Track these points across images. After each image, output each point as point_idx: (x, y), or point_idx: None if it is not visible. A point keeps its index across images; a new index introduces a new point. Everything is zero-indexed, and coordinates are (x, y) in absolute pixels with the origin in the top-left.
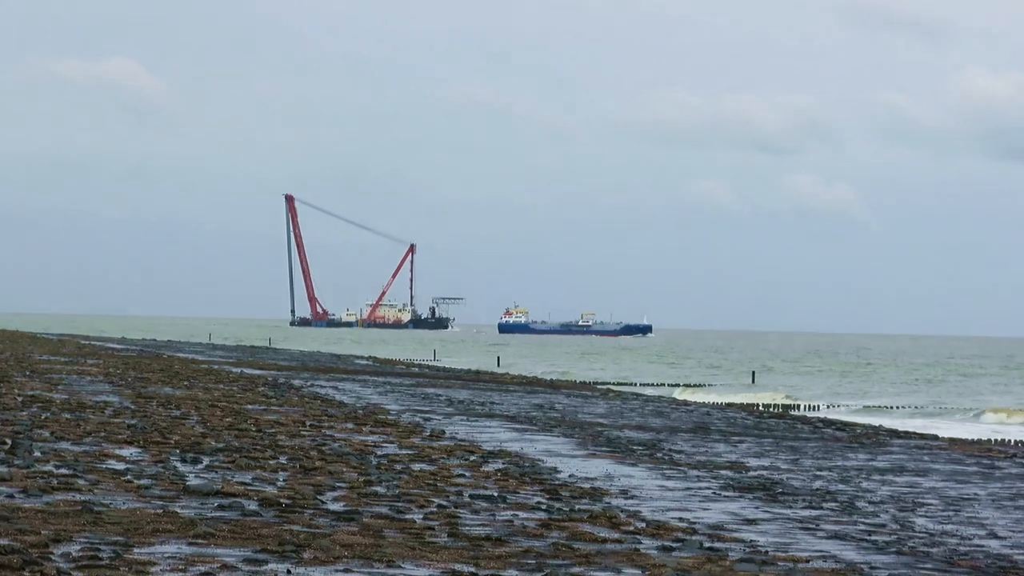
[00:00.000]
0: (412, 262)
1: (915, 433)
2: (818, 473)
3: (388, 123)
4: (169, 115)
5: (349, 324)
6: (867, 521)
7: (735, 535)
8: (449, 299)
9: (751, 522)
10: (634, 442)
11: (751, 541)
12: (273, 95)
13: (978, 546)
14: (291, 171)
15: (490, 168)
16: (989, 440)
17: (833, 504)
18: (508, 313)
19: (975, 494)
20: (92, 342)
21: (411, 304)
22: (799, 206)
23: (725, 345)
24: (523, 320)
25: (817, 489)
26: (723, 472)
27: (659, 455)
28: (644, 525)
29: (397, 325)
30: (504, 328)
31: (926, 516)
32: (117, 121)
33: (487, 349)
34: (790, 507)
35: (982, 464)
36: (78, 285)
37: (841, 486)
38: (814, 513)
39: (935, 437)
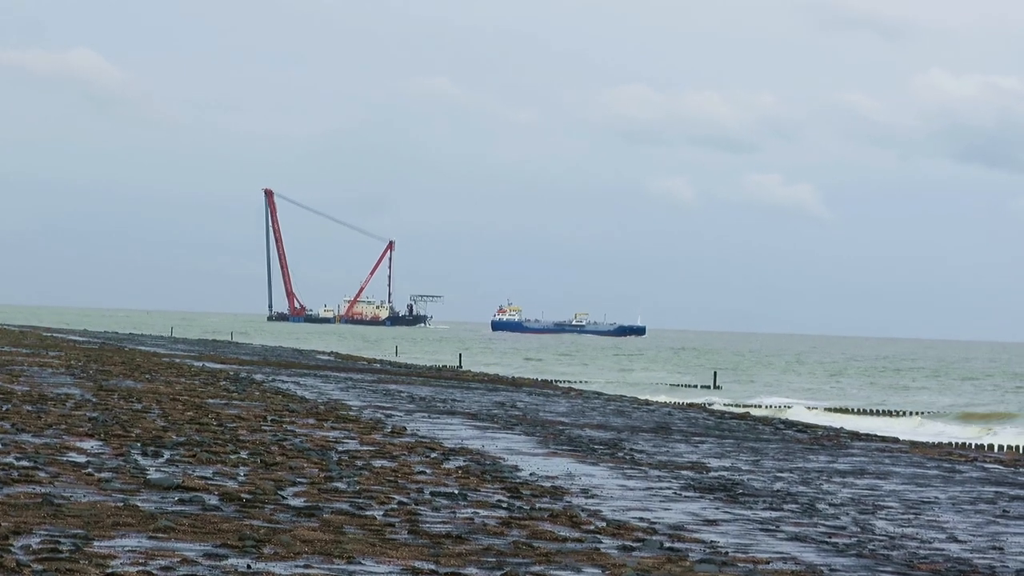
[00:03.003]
0: (391, 259)
1: (876, 435)
2: (779, 474)
3: (369, 114)
4: (139, 106)
5: (327, 320)
6: (827, 523)
7: (695, 535)
8: (427, 296)
9: (712, 523)
10: (595, 441)
11: (711, 542)
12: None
13: (938, 549)
14: (270, 164)
15: (454, 165)
16: (950, 444)
17: (794, 506)
18: (501, 311)
19: (935, 497)
20: (54, 334)
21: (389, 301)
22: (759, 204)
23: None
24: (516, 318)
25: (778, 490)
26: (684, 472)
27: (620, 454)
28: (604, 524)
29: (375, 322)
30: (497, 326)
31: (886, 519)
32: (83, 111)
33: (460, 347)
34: (751, 508)
35: (943, 468)
36: (48, 278)
37: (802, 488)
38: (775, 514)
39: (896, 440)
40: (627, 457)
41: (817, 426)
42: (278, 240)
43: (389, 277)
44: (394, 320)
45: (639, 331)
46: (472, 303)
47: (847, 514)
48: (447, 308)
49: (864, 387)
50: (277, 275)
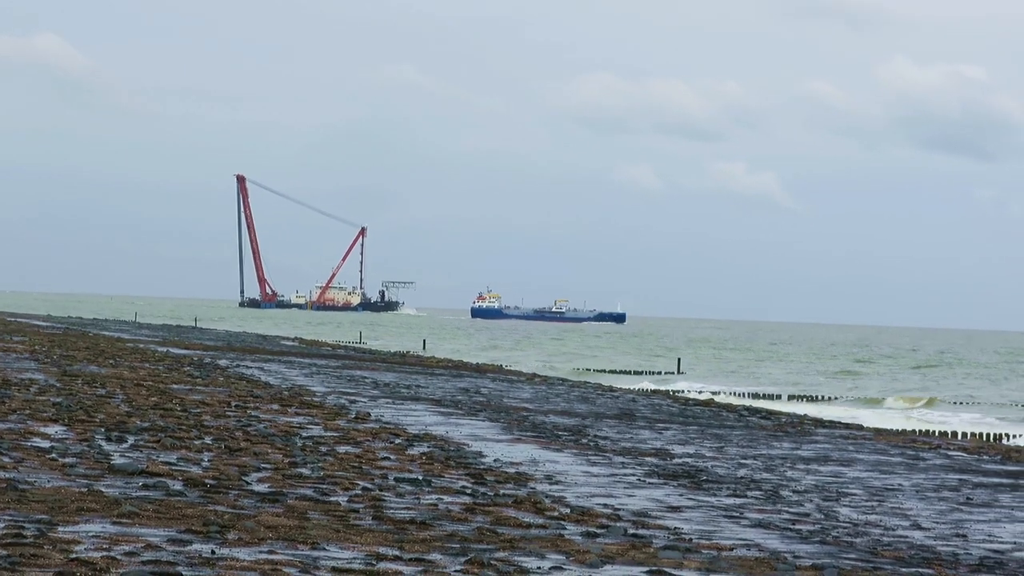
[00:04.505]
0: (363, 245)
1: (840, 423)
2: (743, 461)
3: (340, 102)
4: (105, 92)
5: (299, 306)
6: (791, 510)
7: (659, 522)
8: (399, 283)
9: (675, 509)
10: (559, 427)
11: (675, 528)
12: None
13: (902, 537)
14: (240, 151)
15: (426, 152)
16: (914, 431)
17: (757, 492)
18: (481, 298)
19: (899, 484)
20: (18, 319)
21: (361, 287)
22: (724, 192)
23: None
24: (496, 305)
25: (742, 477)
26: (648, 459)
27: (584, 441)
28: (568, 511)
29: (346, 308)
30: (476, 313)
31: (850, 506)
32: (48, 97)
33: (431, 333)
34: (715, 495)
35: (907, 455)
36: (13, 263)
37: (766, 474)
38: (738, 501)
39: (860, 427)
40: (591, 443)
41: (781, 413)
42: (250, 227)
43: (361, 263)
44: (366, 306)
45: (619, 318)
46: (448, 290)
47: (811, 501)
48: (421, 295)
49: (830, 376)
50: (249, 262)
